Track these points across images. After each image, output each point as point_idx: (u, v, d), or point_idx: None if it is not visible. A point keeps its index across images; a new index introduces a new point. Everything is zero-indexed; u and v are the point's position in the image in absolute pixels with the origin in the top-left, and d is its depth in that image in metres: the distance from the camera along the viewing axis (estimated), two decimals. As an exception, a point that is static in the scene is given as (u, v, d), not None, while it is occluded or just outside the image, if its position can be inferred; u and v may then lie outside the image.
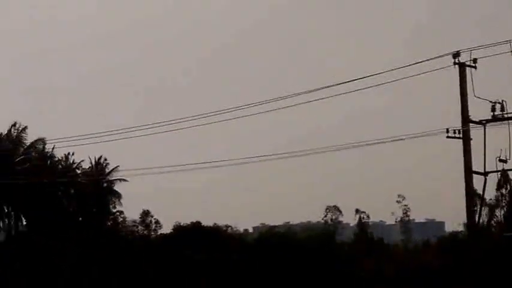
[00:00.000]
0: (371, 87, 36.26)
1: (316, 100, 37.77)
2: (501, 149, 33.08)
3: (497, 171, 34.70)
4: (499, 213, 48.66)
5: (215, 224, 61.05)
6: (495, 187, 49.07)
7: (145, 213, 63.80)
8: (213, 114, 41.63)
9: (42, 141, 67.64)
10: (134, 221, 64.44)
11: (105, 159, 67.70)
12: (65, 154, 67.81)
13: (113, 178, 67.50)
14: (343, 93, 37.02)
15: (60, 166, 68.36)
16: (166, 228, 63.35)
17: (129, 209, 66.13)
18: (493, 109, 33.42)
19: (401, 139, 37.35)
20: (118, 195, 66.69)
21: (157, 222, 63.58)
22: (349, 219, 65.48)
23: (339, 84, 36.39)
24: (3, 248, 62.36)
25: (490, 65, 33.95)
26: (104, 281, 54.61)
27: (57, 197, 66.67)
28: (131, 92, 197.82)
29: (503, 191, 47.67)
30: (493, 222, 48.54)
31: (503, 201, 48.10)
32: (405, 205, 63.99)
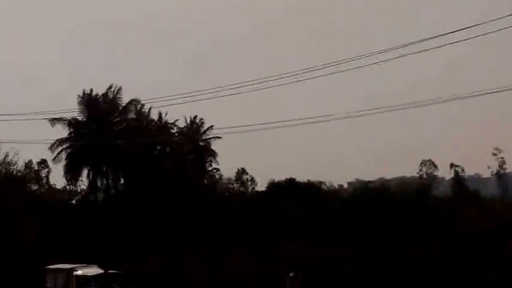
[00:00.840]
0: (467, 39, 36.18)
1: (412, 54, 37.92)
2: None
3: None
4: None
5: (309, 180, 61.83)
6: None
7: (241, 171, 65.03)
8: (301, 72, 42.29)
9: (136, 101, 69.28)
10: (229, 179, 65.79)
11: (201, 119, 69.12)
12: (159, 113, 69.33)
13: (208, 137, 68.86)
14: (438, 47, 37.04)
15: (155, 126, 69.89)
16: (261, 186, 64.54)
17: (225, 166, 67.55)
18: None
19: (498, 91, 37.23)
20: (213, 153, 68.09)
21: (252, 179, 64.79)
22: (445, 173, 65.35)
23: (435, 37, 36.42)
24: (103, 208, 64.05)
25: None
26: (203, 238, 55.92)
27: (153, 156, 68.24)
28: (218, 53, 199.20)
29: None
30: None
31: None
32: (501, 158, 63.37)
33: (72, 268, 46.05)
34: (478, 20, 35.31)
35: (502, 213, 50.18)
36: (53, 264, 47.56)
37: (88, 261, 47.38)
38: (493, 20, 34.60)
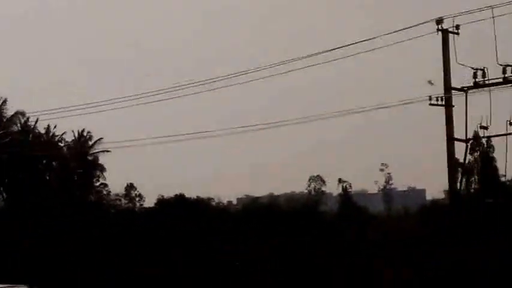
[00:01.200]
0: (352, 55, 37.13)
1: (297, 69, 38.65)
2: (482, 116, 34.09)
3: (477, 137, 35.83)
4: (474, 178, 49.97)
5: (198, 196, 61.87)
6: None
7: (130, 187, 64.62)
8: (196, 84, 42.48)
9: (22, 114, 68.13)
10: (117, 194, 65.29)
11: (89, 132, 68.40)
12: (46, 127, 68.37)
13: (96, 151, 68.19)
14: (322, 63, 37.90)
15: (42, 139, 68.86)
16: (149, 201, 64.24)
17: (112, 181, 66.97)
18: (475, 76, 34.40)
19: (384, 107, 38.36)
20: (102, 168, 67.46)
21: (140, 195, 64.44)
22: (332, 189, 66.68)
23: (318, 53, 37.21)
24: None
25: (472, 32, 34.89)
26: (88, 255, 55.26)
27: (39, 170, 67.23)
28: (113, 63, 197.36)
29: (476, 155, 49.07)
30: (470, 187, 49.83)
31: (476, 166, 49.47)
32: (388, 173, 65.31)
33: None
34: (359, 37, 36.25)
35: (386, 227, 51.48)
36: None
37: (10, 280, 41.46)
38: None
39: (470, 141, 35.61)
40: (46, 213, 58.80)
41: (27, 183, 64.95)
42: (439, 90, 34.46)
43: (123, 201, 64.97)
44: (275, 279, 51.82)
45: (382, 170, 64.54)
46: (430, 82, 34.89)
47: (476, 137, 35.70)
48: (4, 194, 67.17)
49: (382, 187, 65.96)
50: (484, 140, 42.40)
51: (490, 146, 48.23)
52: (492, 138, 35.65)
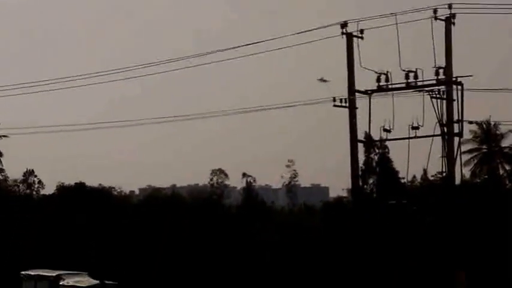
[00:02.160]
0: (257, 54, 38.00)
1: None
2: (385, 119, 35.33)
3: (380, 140, 37.20)
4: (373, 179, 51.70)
5: (100, 184, 61.92)
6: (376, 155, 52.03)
7: (29, 173, 63.95)
8: (105, 74, 42.66)
9: None
10: (15, 180, 64.54)
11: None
12: None
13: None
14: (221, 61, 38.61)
15: None
16: (49, 189, 63.87)
17: (10, 168, 66.18)
18: (378, 80, 35.59)
19: (289, 106, 39.38)
20: (-1, 153, 66.43)
21: (40, 182, 63.86)
22: (236, 183, 67.56)
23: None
24: None
25: (376, 36, 36.14)
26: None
27: None
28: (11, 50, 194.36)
29: (373, 156, 50.70)
30: (371, 187, 51.49)
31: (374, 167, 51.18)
32: (294, 170, 66.60)
33: (58, 275, 38.48)
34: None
35: (287, 224, 52.77)
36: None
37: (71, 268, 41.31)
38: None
39: (372, 143, 36.86)
40: None
41: None
42: (344, 92, 35.53)
43: (21, 187, 64.34)
44: (173, 271, 52.63)
45: (288, 166, 65.86)
46: (322, 80, 35.96)
47: (371, 139, 37.02)
48: None
49: (286, 182, 67.21)
50: (383, 143, 44.01)
51: (386, 147, 50.06)
52: (394, 142, 36.87)
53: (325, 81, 35.97)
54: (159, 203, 59.85)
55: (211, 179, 67.30)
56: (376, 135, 36.37)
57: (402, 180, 48.66)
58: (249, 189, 62.64)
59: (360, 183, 39.84)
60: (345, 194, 54.95)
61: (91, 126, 45.48)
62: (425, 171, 50.54)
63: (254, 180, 63.62)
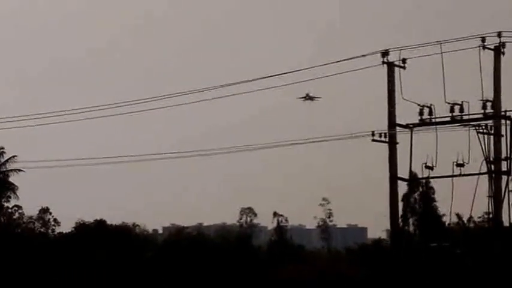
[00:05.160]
0: (291, 84, 37.97)
1: (231, 95, 39.42)
2: (427, 155, 35.00)
3: (422, 178, 36.78)
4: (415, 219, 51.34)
5: (123, 222, 62.23)
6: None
7: (44, 210, 64.38)
8: (115, 106, 42.82)
9: None
10: (31, 217, 64.99)
11: (1, 147, 67.86)
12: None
13: (7, 169, 67.66)
14: (259, 90, 38.64)
15: None
16: (65, 226, 64.26)
17: (26, 203, 66.61)
18: (421, 113, 35.32)
19: (324, 140, 39.10)
20: (13, 188, 66.92)
21: (55, 220, 64.25)
22: (267, 222, 67.57)
23: (250, 81, 37.95)
24: None
25: (419, 66, 35.99)
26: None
27: None
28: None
29: (416, 196, 50.27)
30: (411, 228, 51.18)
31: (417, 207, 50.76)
32: (329, 209, 66.04)
33: None
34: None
35: (323, 268, 52.61)
36: None
37: None
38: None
39: (413, 182, 36.65)
40: None
41: None
42: (383, 126, 35.28)
43: (37, 225, 64.80)
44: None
45: (322, 205, 65.33)
46: (308, 97, 35.38)
47: (416, 177, 36.64)
48: None
49: (321, 223, 66.84)
50: (425, 181, 43.56)
51: (430, 188, 49.53)
52: (437, 179, 36.55)
53: (311, 98, 35.41)
54: (184, 243, 60.07)
55: (240, 218, 67.44)
56: (417, 173, 36.08)
57: (445, 221, 48.35)
58: (281, 230, 62.61)
59: (400, 224, 39.46)
60: (384, 235, 54.72)
61: (110, 160, 45.76)
62: (470, 212, 50.27)
63: (286, 220, 63.63)
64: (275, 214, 63.50)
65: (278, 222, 63.09)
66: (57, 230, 64.75)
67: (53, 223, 64.75)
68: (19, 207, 66.01)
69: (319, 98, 34.97)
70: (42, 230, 64.51)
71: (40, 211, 65.03)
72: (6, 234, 61.80)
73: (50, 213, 64.82)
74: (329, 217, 66.89)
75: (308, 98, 34.30)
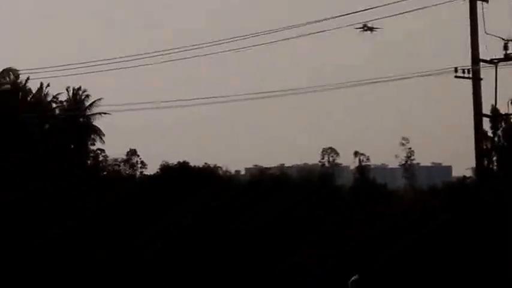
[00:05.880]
0: (376, 19, 38.28)
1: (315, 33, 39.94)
2: (513, 91, 35.22)
3: (507, 114, 37.09)
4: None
5: (205, 163, 63.61)
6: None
7: (132, 152, 66.27)
8: (206, 45, 43.82)
9: (11, 71, 69.27)
10: (116, 160, 66.93)
11: (85, 91, 69.80)
12: (40, 84, 69.65)
13: (92, 113, 69.66)
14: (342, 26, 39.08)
15: (33, 99, 70.22)
16: (151, 168, 66.08)
17: (112, 145, 68.61)
18: (506, 47, 35.50)
19: (406, 77, 39.62)
20: (99, 132, 68.91)
21: (142, 162, 66.20)
22: (349, 161, 68.36)
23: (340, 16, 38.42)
24: None
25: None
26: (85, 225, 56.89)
27: (30, 132, 68.55)
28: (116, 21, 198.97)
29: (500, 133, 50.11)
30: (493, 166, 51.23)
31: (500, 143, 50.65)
32: (409, 148, 66.63)
33: None
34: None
35: (407, 206, 53.15)
36: None
37: None
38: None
39: (498, 118, 36.88)
40: (34, 179, 60.25)
41: (16, 146, 66.19)
42: (466, 62, 35.59)
43: (123, 167, 66.64)
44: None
45: (403, 144, 65.91)
46: (366, 27, 35.09)
47: (500, 114, 36.77)
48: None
49: (403, 162, 67.38)
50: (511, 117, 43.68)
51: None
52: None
53: (371, 29, 35.47)
54: (267, 184, 61.10)
55: (322, 158, 68.31)
56: (502, 109, 36.35)
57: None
58: (363, 169, 63.32)
59: (485, 162, 39.76)
60: (468, 174, 54.94)
61: (192, 103, 46.84)
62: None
63: (367, 159, 64.28)
64: (356, 153, 64.23)
65: (360, 162, 63.85)
66: (144, 172, 66.58)
67: (140, 165, 66.69)
68: (102, 150, 68.11)
69: (378, 29, 35.05)
70: (127, 172, 66.35)
71: (128, 153, 66.95)
72: (94, 177, 63.77)
73: (138, 156, 66.75)
74: (410, 156, 67.47)
75: (367, 28, 34.44)
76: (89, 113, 70.36)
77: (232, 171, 72.41)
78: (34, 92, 69.95)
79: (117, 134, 70.75)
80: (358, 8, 35.42)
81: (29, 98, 69.90)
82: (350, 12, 37.09)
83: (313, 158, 71.45)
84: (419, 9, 36.58)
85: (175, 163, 62.13)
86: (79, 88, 70.29)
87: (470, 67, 35.98)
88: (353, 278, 27.81)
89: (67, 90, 70.22)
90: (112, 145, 68.97)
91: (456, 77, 36.05)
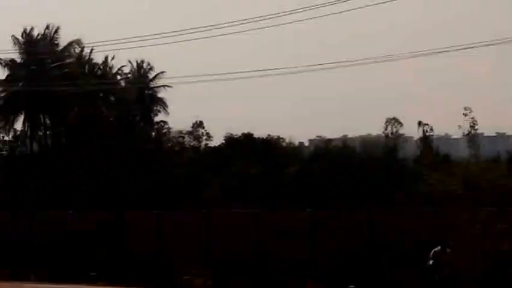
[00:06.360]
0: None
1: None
2: None
3: None
4: None
5: (269, 135, 64.47)
6: None
7: (198, 124, 67.27)
8: (268, 17, 44.25)
9: (77, 43, 70.35)
10: (181, 132, 67.94)
11: (148, 64, 70.83)
12: (105, 57, 70.78)
13: (156, 85, 70.75)
14: None
15: (99, 71, 71.41)
16: (216, 139, 67.05)
17: (174, 118, 69.73)
18: None
19: (468, 47, 39.59)
20: (163, 104, 70.01)
21: (208, 134, 67.17)
22: (412, 132, 68.56)
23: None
24: (37, 160, 65.14)
25: None
26: (149, 195, 58.16)
27: (96, 105, 69.85)
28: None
29: None
30: None
31: None
32: (472, 118, 66.44)
33: None
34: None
35: (471, 177, 53.30)
36: None
37: None
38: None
39: None
40: (101, 152, 61.58)
41: (83, 118, 67.46)
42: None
43: (187, 139, 67.62)
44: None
45: (465, 114, 65.65)
46: None
47: None
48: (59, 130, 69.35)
49: (466, 132, 67.22)
50: None
51: None
52: None
53: None
54: (330, 155, 61.93)
55: (385, 129, 68.48)
56: None
57: None
58: (426, 139, 63.49)
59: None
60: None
61: (256, 74, 47.65)
62: None
63: (431, 129, 64.29)
64: (420, 123, 64.26)
65: (424, 132, 63.95)
66: (209, 144, 67.65)
67: (205, 137, 67.72)
68: (165, 122, 69.19)
69: None
70: (192, 144, 67.42)
71: (193, 125, 67.97)
72: (159, 148, 65.10)
73: (203, 127, 67.72)
74: (473, 126, 67.29)
75: None
76: (153, 86, 71.42)
77: (296, 142, 73.13)
78: (100, 64, 70.97)
79: (181, 106, 71.87)
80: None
81: (94, 70, 71.13)
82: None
83: (376, 129, 71.70)
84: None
85: (240, 134, 63.18)
86: (143, 61, 71.30)
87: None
88: (435, 249, 28.70)
89: (130, 62, 71.26)
90: (176, 116, 70.01)
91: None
